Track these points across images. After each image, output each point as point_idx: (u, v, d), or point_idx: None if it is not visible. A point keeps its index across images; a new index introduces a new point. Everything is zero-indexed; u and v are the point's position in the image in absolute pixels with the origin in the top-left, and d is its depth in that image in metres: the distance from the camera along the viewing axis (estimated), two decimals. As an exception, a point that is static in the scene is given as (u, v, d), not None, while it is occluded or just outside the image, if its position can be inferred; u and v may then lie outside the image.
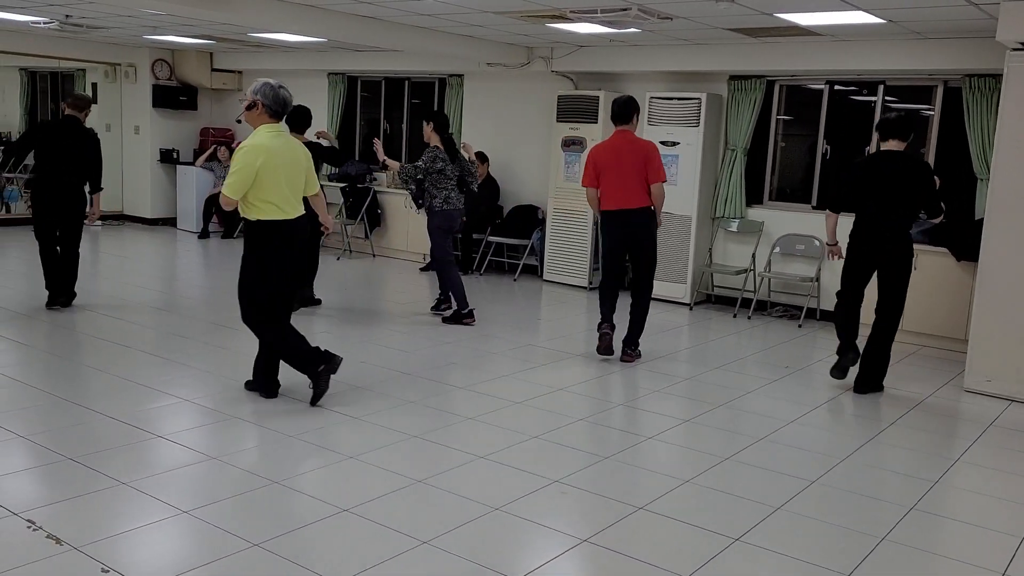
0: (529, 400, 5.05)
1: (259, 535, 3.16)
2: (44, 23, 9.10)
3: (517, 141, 9.76)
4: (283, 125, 4.69)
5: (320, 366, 4.68)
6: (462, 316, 6.96)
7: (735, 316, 7.88)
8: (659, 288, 8.26)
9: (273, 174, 4.45)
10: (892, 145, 5.37)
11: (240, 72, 11.91)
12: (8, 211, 11.78)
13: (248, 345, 5.99)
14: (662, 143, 8.16)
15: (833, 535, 3.49)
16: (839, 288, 5.63)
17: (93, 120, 12.93)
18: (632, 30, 7.19)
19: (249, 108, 4.51)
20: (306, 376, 4.73)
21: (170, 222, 11.96)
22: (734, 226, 8.27)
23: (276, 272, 4.61)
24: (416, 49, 8.72)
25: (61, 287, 6.72)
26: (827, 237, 5.74)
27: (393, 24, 7.70)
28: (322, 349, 4.76)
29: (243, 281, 4.66)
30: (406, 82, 10.76)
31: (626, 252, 6.04)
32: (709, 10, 6.11)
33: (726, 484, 3.94)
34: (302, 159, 4.69)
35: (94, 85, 12.72)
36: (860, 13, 5.91)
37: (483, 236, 9.43)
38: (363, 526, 3.30)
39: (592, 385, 5.55)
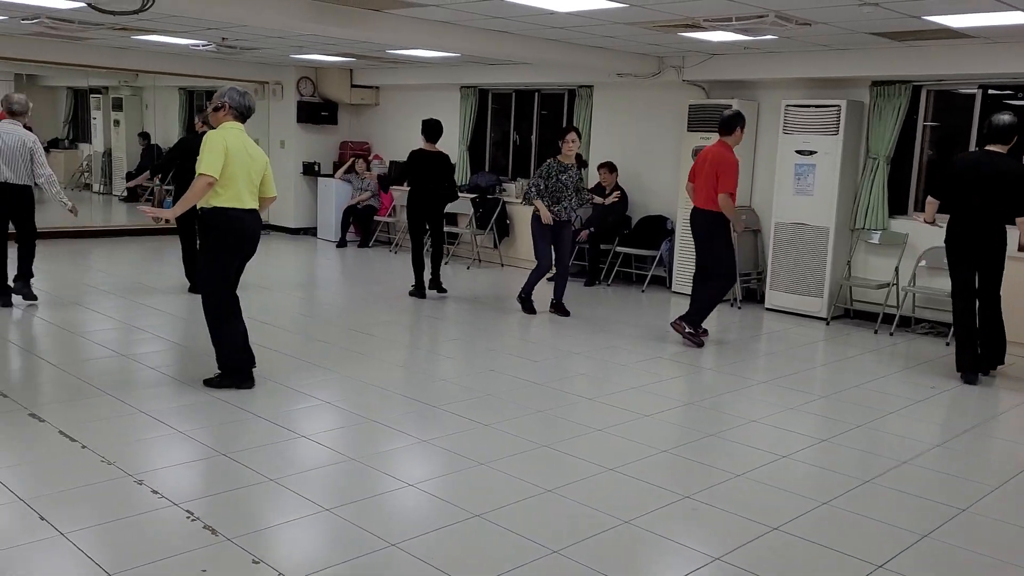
0: (658, 413, 5.01)
1: (395, 535, 3.28)
2: (203, 46, 9.77)
3: (646, 151, 9.70)
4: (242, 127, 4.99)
5: (234, 369, 5.05)
6: (523, 301, 7.70)
7: (876, 332, 7.54)
8: (793, 301, 8.05)
9: (232, 162, 4.78)
10: (995, 147, 5.72)
11: (377, 87, 12.38)
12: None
13: (386, 352, 6.23)
14: (798, 152, 7.95)
15: (986, 568, 3.30)
16: (951, 289, 6.05)
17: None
18: (768, 37, 7.02)
19: (216, 110, 4.98)
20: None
21: (311, 232, 12.54)
22: (875, 238, 7.91)
23: (225, 256, 4.97)
24: (547, 61, 8.83)
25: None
26: (925, 216, 6.21)
27: (525, 38, 7.82)
28: (253, 362, 5.12)
29: (199, 265, 5.07)
30: (536, 94, 10.89)
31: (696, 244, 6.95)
32: (851, 14, 5.90)
33: (865, 508, 3.78)
34: (259, 159, 5.04)
35: (244, 102, 13.50)
36: (1020, 14, 5.56)
37: (611, 247, 9.41)
38: (495, 532, 3.37)
39: (723, 400, 5.45)
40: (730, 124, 6.60)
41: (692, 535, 3.47)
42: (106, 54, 10.61)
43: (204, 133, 7.23)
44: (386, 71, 11.73)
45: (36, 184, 6.87)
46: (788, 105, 8.02)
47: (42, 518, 3.29)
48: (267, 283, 8.99)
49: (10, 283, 6.99)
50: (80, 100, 16.51)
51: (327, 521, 3.41)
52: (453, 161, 11.46)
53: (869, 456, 4.48)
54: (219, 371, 5.09)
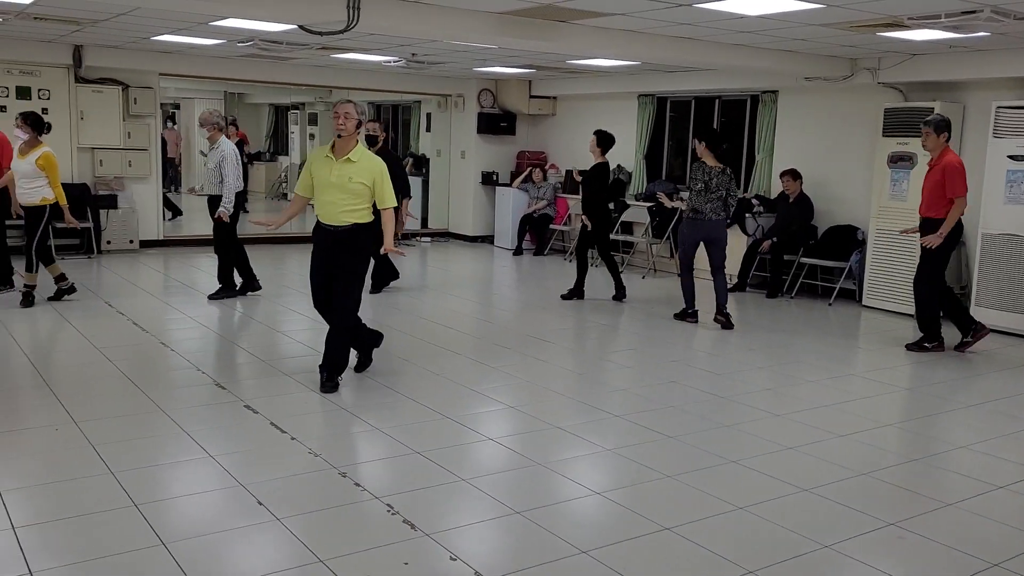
0: (853, 433, 4.75)
1: (586, 542, 3.29)
2: (393, 62, 10.26)
3: (835, 158, 9.25)
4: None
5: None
6: (686, 314, 7.60)
7: (1101, 355, 6.81)
8: (1003, 319, 7.39)
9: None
10: None
11: (555, 98, 12.54)
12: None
13: (564, 359, 6.27)
14: (1010, 157, 7.33)
15: None
16: None
17: (426, 146, 14.32)
18: (980, 34, 6.52)
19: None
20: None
21: (488, 239, 12.86)
22: (1102, 251, 7.16)
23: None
24: (730, 67, 8.62)
25: None
26: None
27: (709, 43, 7.67)
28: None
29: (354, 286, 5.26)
30: (716, 101, 10.66)
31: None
32: (1081, 6, 5.38)
33: (1102, 550, 3.41)
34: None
35: (428, 115, 14.08)
36: None
37: (795, 257, 9.04)
38: (686, 546, 3.31)
39: (925, 423, 5.10)
40: (948, 125, 6.55)
41: (902, 566, 3.26)
42: (306, 72, 11.37)
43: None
44: (564, 81, 11.86)
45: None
46: (1000, 107, 7.41)
47: (259, 503, 3.56)
48: (446, 289, 9.30)
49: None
50: (280, 116, 17.79)
51: (519, 524, 3.47)
52: (629, 170, 11.47)
53: (1102, 492, 4.05)
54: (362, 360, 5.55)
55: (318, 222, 5.11)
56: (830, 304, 8.69)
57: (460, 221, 13.19)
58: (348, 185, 4.97)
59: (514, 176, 12.53)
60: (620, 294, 8.55)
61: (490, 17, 6.55)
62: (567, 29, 6.97)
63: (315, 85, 13.25)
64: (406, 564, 3.10)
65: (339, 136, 4.98)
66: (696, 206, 7.37)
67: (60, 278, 7.43)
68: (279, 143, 18.11)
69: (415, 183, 13.75)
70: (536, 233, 12.00)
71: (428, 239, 13.08)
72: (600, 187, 8.45)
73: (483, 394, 5.30)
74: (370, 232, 5.11)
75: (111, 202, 10.26)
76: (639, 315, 7.99)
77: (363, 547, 3.22)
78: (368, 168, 5.03)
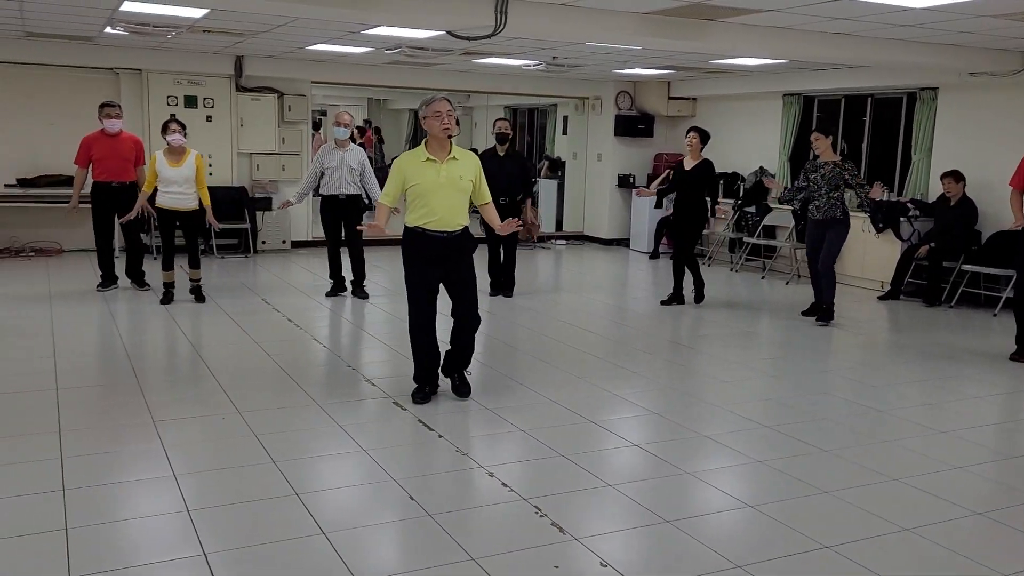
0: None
1: (740, 556, 3.19)
2: (533, 65, 10.34)
3: (1001, 158, 8.61)
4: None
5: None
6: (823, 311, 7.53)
7: None
8: None
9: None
10: None
11: (695, 99, 12.30)
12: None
13: (707, 365, 6.12)
14: None
15: None
16: None
17: (562, 149, 14.36)
18: None
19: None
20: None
21: (623, 242, 12.75)
22: None
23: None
24: (886, 63, 8.22)
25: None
26: None
27: (865, 39, 7.32)
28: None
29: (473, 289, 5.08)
30: (868, 99, 10.16)
31: None
32: None
33: None
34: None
35: (565, 118, 14.11)
36: None
37: (955, 264, 8.49)
38: (851, 568, 3.15)
39: (1113, 447, 4.66)
40: None
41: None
42: (447, 77, 11.62)
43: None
44: (705, 81, 11.61)
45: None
46: None
47: (411, 498, 3.64)
48: (582, 292, 9.28)
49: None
50: (419, 121, 18.32)
51: (669, 533, 3.40)
52: (773, 172, 11.10)
53: None
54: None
55: (421, 231, 4.74)
56: (995, 315, 8.12)
57: (595, 224, 13.14)
58: (460, 184, 4.78)
59: (651, 179, 12.35)
60: (700, 296, 8.32)
61: (635, 17, 6.49)
62: (714, 28, 6.82)
63: (456, 90, 13.50)
64: (556, 567, 3.10)
65: (449, 138, 4.75)
66: (818, 203, 7.41)
67: (172, 285, 7.59)
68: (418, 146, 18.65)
69: (550, 186, 13.83)
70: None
71: (563, 242, 13.11)
72: (704, 186, 8.19)
73: (625, 398, 5.25)
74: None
75: (266, 204, 10.82)
76: (783, 322, 7.71)
77: (513, 548, 3.23)
78: (471, 164, 4.89)
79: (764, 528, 3.50)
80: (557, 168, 14.10)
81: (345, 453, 4.18)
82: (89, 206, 7.97)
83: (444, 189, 4.72)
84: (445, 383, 5.16)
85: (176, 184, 7.29)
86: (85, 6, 6.90)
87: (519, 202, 8.34)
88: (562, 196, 13.77)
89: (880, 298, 8.94)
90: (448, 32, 6.38)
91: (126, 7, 6.75)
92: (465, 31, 6.24)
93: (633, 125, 12.50)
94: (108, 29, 8.11)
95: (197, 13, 7.04)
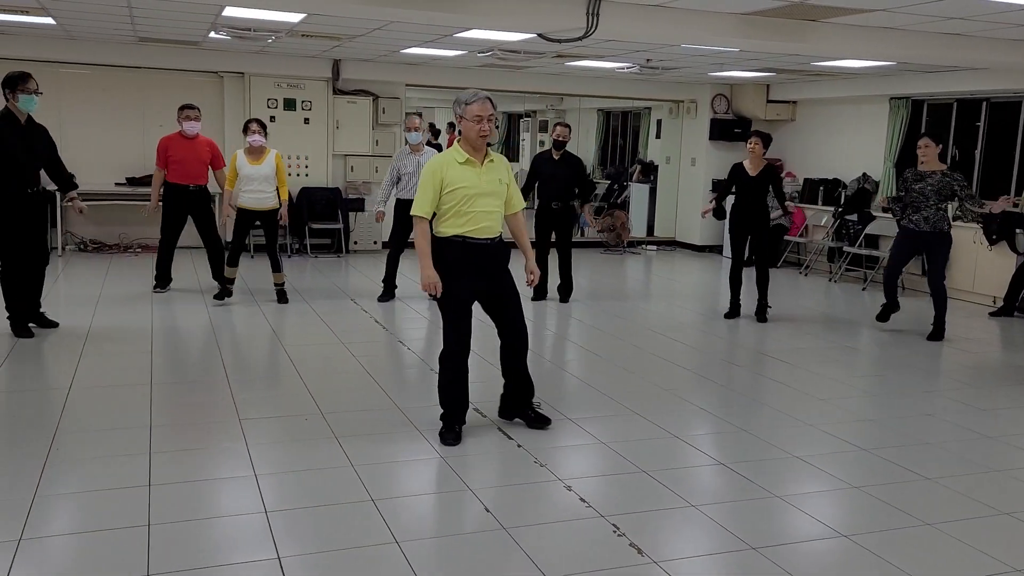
0: None
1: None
2: (627, 68, 10.17)
3: None
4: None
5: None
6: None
7: None
8: None
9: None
10: None
11: (795, 102, 11.88)
12: (582, 235, 13.41)
13: (800, 382, 5.86)
14: None
15: None
16: None
17: (655, 153, 14.13)
18: None
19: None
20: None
21: (716, 249, 12.43)
22: None
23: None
24: (1003, 65, 7.71)
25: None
26: None
27: (982, 39, 6.90)
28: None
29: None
30: (984, 103, 9.60)
31: None
32: None
33: None
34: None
35: (658, 122, 13.87)
36: None
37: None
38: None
39: None
40: None
41: None
42: (540, 80, 11.57)
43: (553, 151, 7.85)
44: (806, 84, 11.21)
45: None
46: None
47: (487, 509, 3.58)
48: (672, 299, 9.05)
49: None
50: (512, 124, 18.30)
51: (754, 561, 3.23)
52: (876, 179, 10.62)
53: None
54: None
55: (462, 240, 4.27)
56: (1123, 336, 7.53)
57: (688, 230, 12.86)
58: (499, 189, 4.37)
59: (715, 185, 12.00)
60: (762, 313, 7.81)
61: (732, 18, 6.28)
62: (816, 28, 6.54)
63: (548, 93, 13.49)
64: (634, 591, 2.98)
65: (489, 144, 4.37)
66: (921, 216, 7.07)
67: (230, 282, 7.65)
68: (510, 150, 18.63)
69: (642, 190, 13.61)
70: (769, 244, 11.40)
71: (654, 247, 12.88)
72: (767, 191, 7.79)
73: (712, 413, 5.06)
74: None
75: (359, 205, 10.99)
76: (885, 338, 7.33)
77: (589, 568, 3.12)
78: (505, 166, 4.47)
79: (859, 560, 3.28)
80: (649, 172, 13.87)
81: (423, 460, 4.15)
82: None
83: (486, 195, 4.29)
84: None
85: (256, 182, 7.39)
86: (190, 12, 7.13)
87: (573, 207, 8.27)
88: (654, 201, 13.52)
89: (992, 314, 8.42)
90: (539, 35, 6.31)
91: (228, 12, 6.94)
92: (556, 33, 6.16)
93: (729, 129, 12.17)
94: (212, 34, 8.37)
95: (294, 18, 7.19)
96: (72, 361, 5.61)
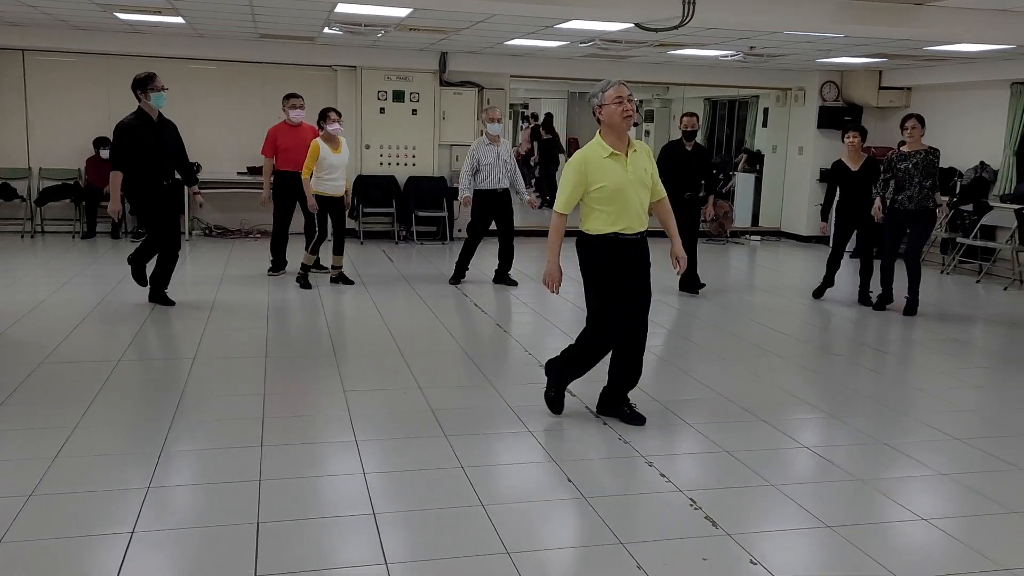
0: None
1: (905, 570, 3.03)
2: (730, 56, 10.09)
3: None
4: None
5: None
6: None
7: None
8: None
9: None
10: None
11: (909, 88, 11.48)
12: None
13: (901, 371, 5.76)
14: None
15: None
16: None
17: (761, 142, 13.90)
18: None
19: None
20: None
21: (823, 240, 12.13)
22: None
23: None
24: None
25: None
26: None
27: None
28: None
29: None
30: (1117, 86, 9.06)
31: None
32: None
33: None
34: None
35: (766, 110, 13.64)
36: None
37: None
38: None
39: None
40: None
41: None
42: (643, 69, 11.58)
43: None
44: (920, 70, 10.82)
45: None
46: None
47: (569, 479, 3.76)
48: (775, 290, 8.96)
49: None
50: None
51: (827, 538, 3.30)
52: (995, 167, 10.17)
53: None
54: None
55: (615, 237, 4.24)
56: None
57: (794, 220, 12.62)
58: (645, 178, 4.27)
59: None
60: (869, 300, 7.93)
61: (832, 4, 6.20)
62: (924, 12, 6.38)
63: (652, 82, 13.45)
64: (705, 560, 3.09)
65: (634, 125, 4.21)
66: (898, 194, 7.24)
67: (309, 267, 7.95)
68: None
69: (748, 180, 13.42)
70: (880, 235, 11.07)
71: (758, 238, 12.70)
72: (871, 184, 7.69)
73: (804, 399, 5.07)
74: None
75: (462, 194, 11.30)
76: (998, 330, 7.08)
77: (663, 536, 3.26)
78: (648, 154, 4.37)
79: (936, 544, 3.30)
80: (755, 162, 13.65)
81: (511, 433, 4.36)
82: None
83: (633, 186, 4.19)
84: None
85: (338, 170, 7.68)
86: (306, 8, 7.55)
87: (702, 198, 8.25)
88: (759, 190, 13.32)
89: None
90: (636, 24, 6.39)
91: (340, 8, 7.32)
92: (652, 23, 6.23)
93: (838, 117, 11.86)
94: (327, 29, 8.82)
95: (401, 12, 7.51)
96: (197, 332, 6.11)
